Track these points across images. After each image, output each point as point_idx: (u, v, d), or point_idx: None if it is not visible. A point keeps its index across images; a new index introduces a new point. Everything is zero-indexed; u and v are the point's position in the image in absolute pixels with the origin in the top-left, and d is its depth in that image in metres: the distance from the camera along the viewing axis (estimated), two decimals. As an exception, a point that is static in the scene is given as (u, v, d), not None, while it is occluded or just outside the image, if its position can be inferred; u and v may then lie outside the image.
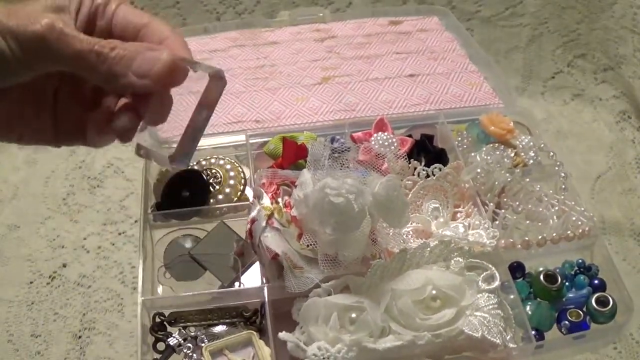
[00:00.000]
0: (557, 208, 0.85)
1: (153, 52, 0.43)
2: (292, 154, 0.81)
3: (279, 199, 0.74)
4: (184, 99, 0.48)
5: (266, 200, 0.73)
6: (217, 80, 0.45)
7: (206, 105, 0.45)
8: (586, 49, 1.62)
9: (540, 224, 0.83)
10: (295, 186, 0.73)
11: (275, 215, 0.72)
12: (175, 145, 0.46)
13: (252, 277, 0.76)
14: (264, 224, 0.71)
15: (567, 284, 0.80)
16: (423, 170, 0.82)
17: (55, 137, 0.48)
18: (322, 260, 0.70)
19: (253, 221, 0.72)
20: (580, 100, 1.60)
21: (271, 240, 0.70)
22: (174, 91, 0.47)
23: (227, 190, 0.81)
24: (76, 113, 0.48)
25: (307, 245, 0.70)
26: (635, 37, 1.49)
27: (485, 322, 0.68)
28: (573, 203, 0.85)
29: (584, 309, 0.77)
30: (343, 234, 0.68)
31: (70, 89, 0.48)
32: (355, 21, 1.17)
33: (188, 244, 0.78)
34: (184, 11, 1.53)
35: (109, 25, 0.46)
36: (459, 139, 0.90)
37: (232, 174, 0.83)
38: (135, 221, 1.27)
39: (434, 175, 0.82)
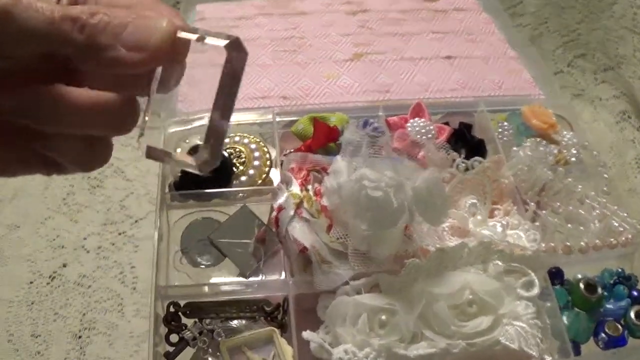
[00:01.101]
0: (598, 211, 0.80)
1: (149, 20, 0.35)
2: (323, 137, 0.75)
3: (309, 186, 0.68)
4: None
5: (295, 187, 0.67)
6: (236, 52, 0.36)
7: (228, 87, 0.36)
8: (586, 49, 1.60)
9: (582, 228, 0.77)
10: (327, 173, 0.67)
11: (305, 204, 0.66)
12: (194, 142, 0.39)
13: (274, 267, 0.71)
14: (292, 213, 0.66)
15: (605, 293, 0.76)
16: (462, 162, 0.76)
17: (44, 164, 0.39)
18: (352, 256, 0.65)
19: (280, 209, 0.67)
20: (580, 100, 1.58)
21: (299, 232, 0.64)
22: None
23: (251, 171, 0.75)
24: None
25: (337, 238, 0.65)
26: (635, 37, 1.46)
27: (522, 332, 0.64)
28: (615, 207, 0.80)
29: (622, 321, 0.73)
30: (378, 230, 0.62)
31: None
32: (388, -6, 1.10)
33: (207, 228, 0.72)
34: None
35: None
36: (500, 130, 0.84)
37: (256, 154, 0.76)
38: (136, 221, 1.26)
39: (473, 168, 0.76)
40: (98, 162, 0.39)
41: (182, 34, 0.36)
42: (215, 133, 0.36)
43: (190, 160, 0.37)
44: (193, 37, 0.36)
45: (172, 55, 0.36)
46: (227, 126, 0.37)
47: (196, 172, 0.36)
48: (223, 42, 0.35)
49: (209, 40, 0.35)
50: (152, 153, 0.39)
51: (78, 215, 1.27)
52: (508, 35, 1.05)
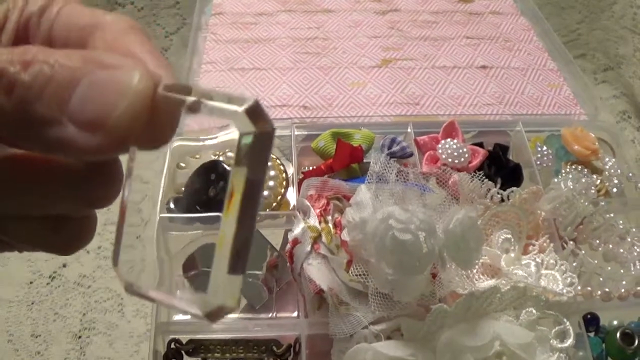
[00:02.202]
0: (639, 250, 0.73)
1: (112, 73, 0.22)
2: (345, 157, 0.68)
3: (328, 217, 0.62)
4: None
5: (313, 219, 0.61)
6: (261, 130, 0.22)
7: (248, 185, 0.22)
8: (586, 49, 1.59)
9: (622, 270, 0.71)
10: (350, 204, 0.61)
11: (323, 238, 0.60)
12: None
13: (287, 302, 0.65)
14: (308, 248, 0.59)
15: (643, 343, 0.69)
16: (498, 193, 0.69)
17: (9, 244, 0.28)
18: (373, 297, 0.58)
19: (295, 243, 0.60)
20: (580, 101, 1.57)
21: (316, 271, 0.58)
22: None
23: (265, 192, 0.68)
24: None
25: (357, 275, 0.59)
26: (635, 37, 1.45)
27: (554, 389, 0.58)
28: (659, 246, 0.73)
29: (658, 375, 0.67)
30: (404, 276, 0.56)
31: None
32: (420, -7, 1.02)
33: (213, 255, 0.65)
34: (184, 11, 1.46)
35: (47, 40, 0.27)
36: (539, 155, 0.77)
37: (272, 173, 0.69)
38: (136, 221, 1.22)
39: (508, 199, 0.69)
40: (73, 245, 0.28)
41: (166, 95, 0.22)
42: (237, 245, 0.23)
43: (192, 307, 0.23)
44: (183, 100, 0.22)
45: (147, 131, 0.23)
46: (250, 240, 0.24)
47: (203, 321, 0.23)
48: (233, 108, 0.21)
49: (210, 105, 0.22)
50: (133, 290, 0.25)
51: (78, 215, 1.25)
52: (548, 44, 0.98)
